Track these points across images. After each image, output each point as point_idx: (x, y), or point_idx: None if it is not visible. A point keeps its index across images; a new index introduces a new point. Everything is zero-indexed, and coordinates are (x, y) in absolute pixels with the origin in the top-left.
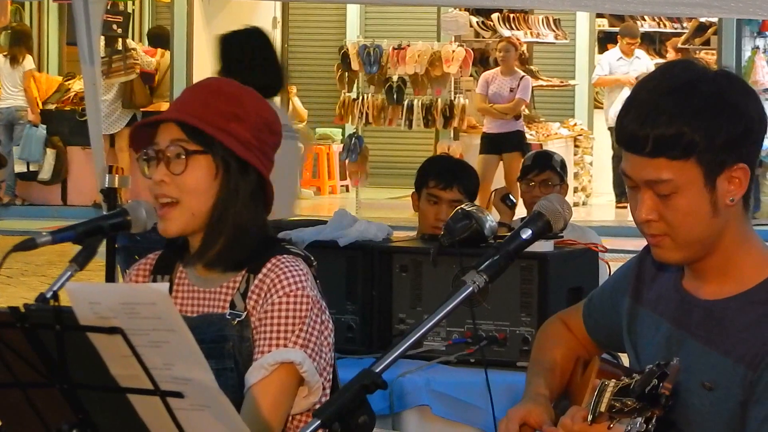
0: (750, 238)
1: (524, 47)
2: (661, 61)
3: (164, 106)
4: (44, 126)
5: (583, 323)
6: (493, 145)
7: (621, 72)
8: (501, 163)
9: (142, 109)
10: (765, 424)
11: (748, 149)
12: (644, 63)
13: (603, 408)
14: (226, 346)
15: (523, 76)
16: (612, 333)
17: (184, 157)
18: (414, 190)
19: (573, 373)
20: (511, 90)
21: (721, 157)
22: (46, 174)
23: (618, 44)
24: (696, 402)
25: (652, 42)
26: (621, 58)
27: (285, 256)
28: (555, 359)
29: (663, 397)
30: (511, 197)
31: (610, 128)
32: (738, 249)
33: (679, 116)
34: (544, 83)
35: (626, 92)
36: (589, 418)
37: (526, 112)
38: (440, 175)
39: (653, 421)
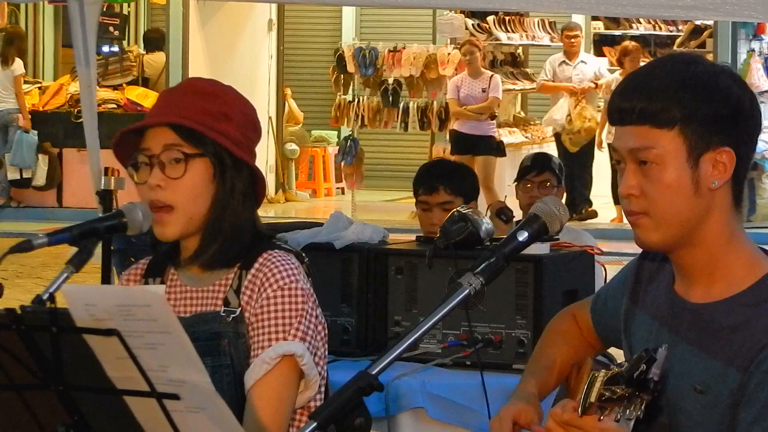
0: (738, 238)
1: (519, 49)
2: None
3: None
4: (35, 132)
5: (591, 318)
6: (466, 145)
7: (564, 77)
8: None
9: None
10: (754, 426)
11: (736, 135)
12: (591, 68)
13: (593, 398)
14: (221, 343)
15: (492, 75)
16: (613, 331)
17: (182, 161)
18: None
19: (569, 377)
20: (483, 90)
21: (706, 135)
22: (39, 180)
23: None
24: (688, 406)
25: (647, 45)
26: (564, 61)
27: (276, 251)
28: (553, 357)
29: (651, 381)
30: (507, 212)
31: (556, 134)
32: (725, 247)
33: (667, 87)
34: None
35: (564, 101)
36: (579, 409)
37: (496, 113)
38: (425, 181)
39: (642, 407)
